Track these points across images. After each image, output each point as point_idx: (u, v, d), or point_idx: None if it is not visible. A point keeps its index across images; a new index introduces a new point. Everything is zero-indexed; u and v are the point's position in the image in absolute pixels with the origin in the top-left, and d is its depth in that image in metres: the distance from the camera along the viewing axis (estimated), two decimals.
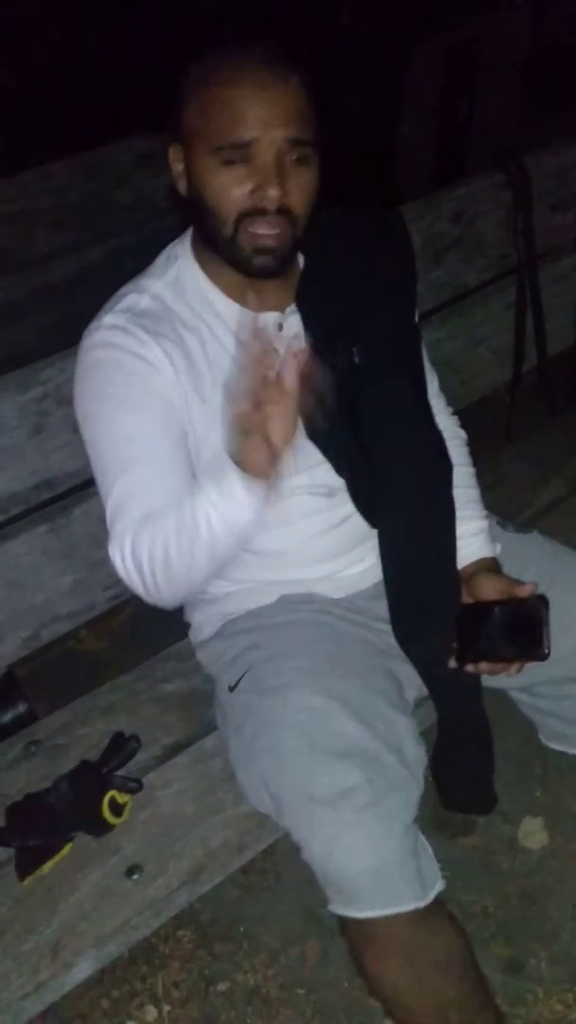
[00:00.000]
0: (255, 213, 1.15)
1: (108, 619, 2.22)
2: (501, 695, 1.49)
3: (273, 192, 1.13)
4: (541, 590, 1.42)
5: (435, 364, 1.53)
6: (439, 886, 1.22)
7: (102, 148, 2.33)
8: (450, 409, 1.54)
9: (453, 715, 1.39)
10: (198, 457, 1.26)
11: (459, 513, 1.39)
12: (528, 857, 1.73)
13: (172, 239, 1.34)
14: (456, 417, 1.55)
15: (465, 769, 1.45)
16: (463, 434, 1.53)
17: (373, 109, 3.18)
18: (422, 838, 1.25)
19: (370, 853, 1.16)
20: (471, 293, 1.96)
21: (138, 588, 1.24)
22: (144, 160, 2.34)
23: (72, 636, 2.23)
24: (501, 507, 1.64)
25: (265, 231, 1.16)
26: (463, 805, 1.54)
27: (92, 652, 2.25)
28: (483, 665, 1.28)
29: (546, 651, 1.20)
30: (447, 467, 1.40)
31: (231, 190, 1.14)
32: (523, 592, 1.28)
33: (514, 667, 1.26)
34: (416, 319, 1.45)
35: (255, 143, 1.12)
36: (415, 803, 1.23)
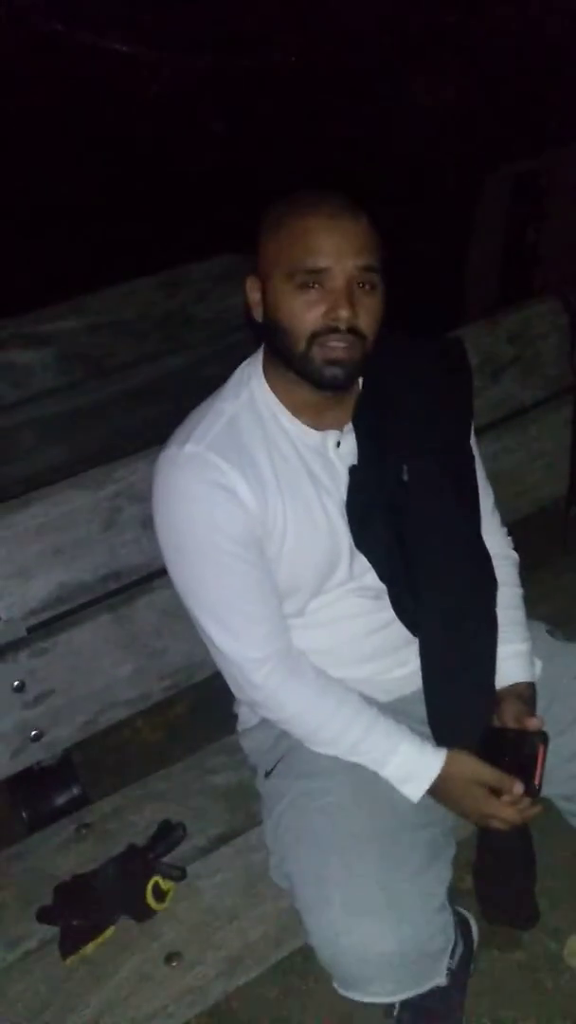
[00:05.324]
0: (327, 332, 1.24)
1: (165, 710, 2.28)
2: (547, 805, 1.49)
3: (344, 313, 1.23)
4: None
5: (492, 476, 1.58)
6: (438, 980, 1.31)
7: (183, 267, 2.51)
8: (504, 530, 1.58)
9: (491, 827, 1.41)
10: (272, 560, 1.33)
11: (500, 635, 1.43)
12: (574, 976, 1.69)
13: (244, 352, 1.44)
14: (510, 538, 1.59)
15: (505, 882, 1.46)
16: (514, 555, 1.57)
17: (445, 236, 3.37)
18: (449, 929, 1.31)
19: (376, 942, 1.20)
20: (529, 409, 2.04)
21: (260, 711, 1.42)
22: (221, 279, 2.50)
23: (128, 726, 2.29)
24: (552, 617, 1.67)
25: (336, 344, 1.25)
26: (504, 918, 1.53)
27: (148, 742, 2.30)
28: None
29: (536, 786, 1.28)
30: (491, 584, 1.44)
31: (305, 312, 1.24)
32: (530, 725, 1.33)
33: (511, 806, 1.30)
34: (472, 440, 1.51)
35: (328, 270, 1.23)
36: (437, 892, 1.28)
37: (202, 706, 2.26)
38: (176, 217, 3.96)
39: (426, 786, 1.31)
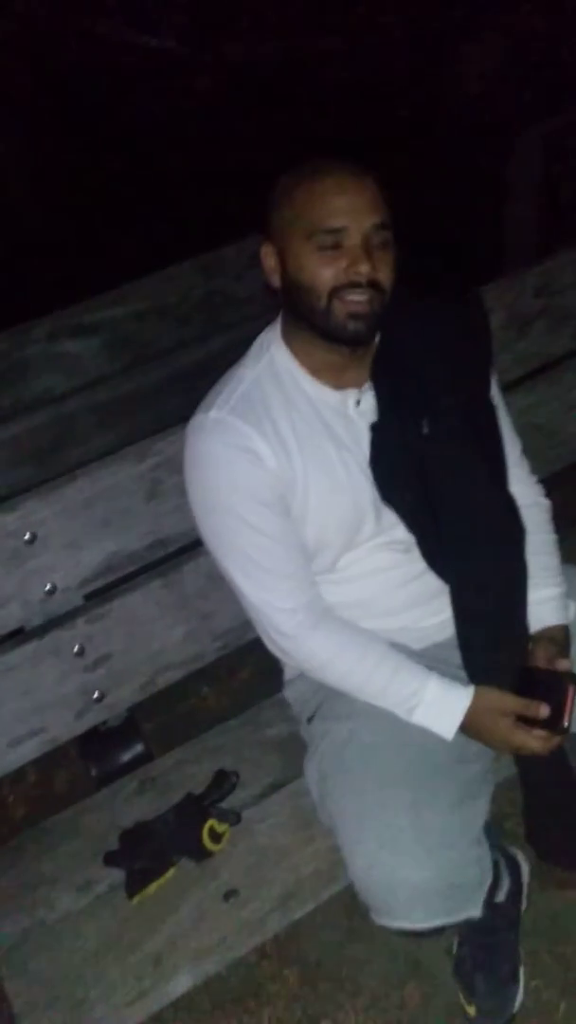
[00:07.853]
0: (347, 287, 1.30)
1: (229, 677, 2.36)
2: None
3: (364, 267, 1.29)
4: None
5: (527, 430, 1.60)
6: (472, 912, 1.35)
7: (219, 250, 2.58)
8: (535, 477, 1.61)
9: (529, 765, 1.45)
10: (298, 518, 1.40)
11: (531, 580, 1.47)
12: None
13: None
14: (540, 486, 1.61)
15: (552, 822, 1.50)
16: (545, 502, 1.60)
17: (480, 194, 3.38)
18: (485, 862, 1.37)
19: (404, 871, 1.27)
20: (560, 361, 2.05)
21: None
22: (256, 258, 2.56)
23: (195, 694, 2.39)
24: None
25: (357, 298, 1.30)
26: (555, 858, 1.58)
27: (214, 708, 2.39)
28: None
29: (564, 725, 1.32)
30: (519, 531, 1.47)
31: (326, 269, 1.30)
32: (560, 667, 1.38)
33: (539, 732, 1.34)
34: (492, 392, 1.53)
35: (346, 229, 1.29)
36: (472, 827, 1.34)
37: (264, 671, 2.34)
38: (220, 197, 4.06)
39: (458, 722, 1.36)
